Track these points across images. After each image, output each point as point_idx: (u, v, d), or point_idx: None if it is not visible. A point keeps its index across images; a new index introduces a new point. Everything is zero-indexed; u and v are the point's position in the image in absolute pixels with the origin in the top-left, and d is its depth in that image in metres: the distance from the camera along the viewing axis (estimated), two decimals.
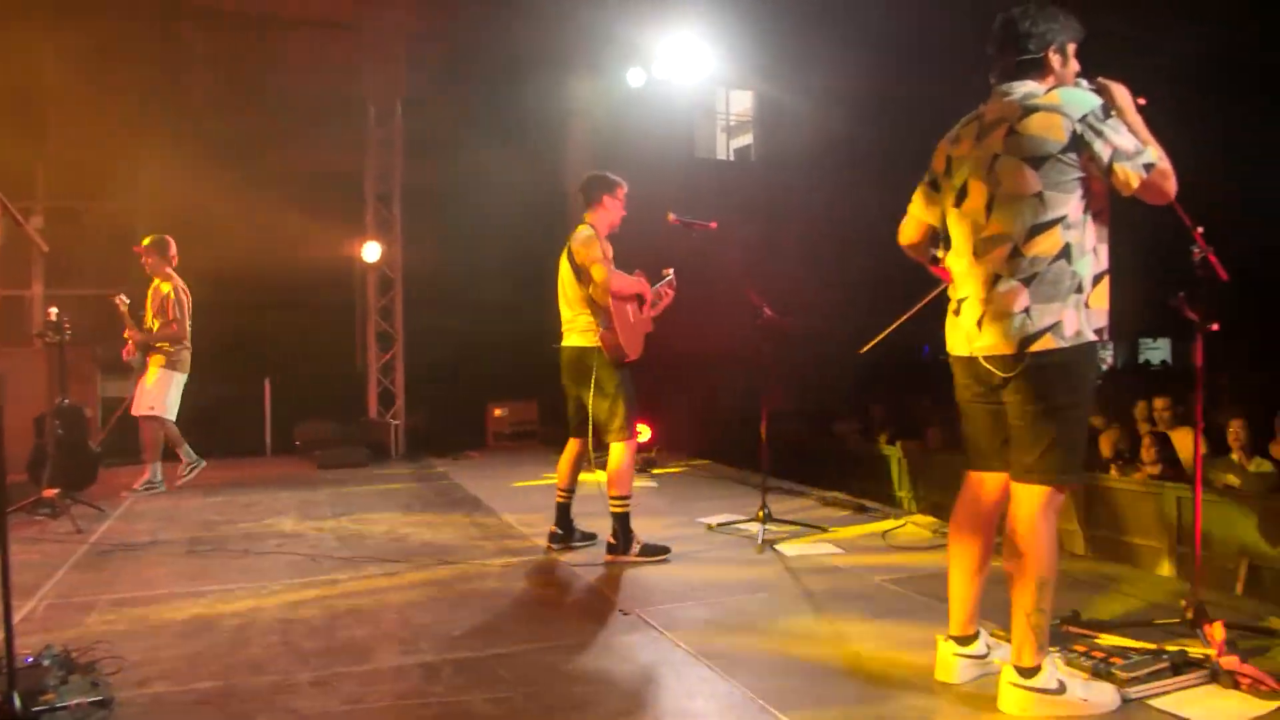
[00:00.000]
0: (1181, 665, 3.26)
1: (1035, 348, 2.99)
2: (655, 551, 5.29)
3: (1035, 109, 3.01)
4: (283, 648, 3.86)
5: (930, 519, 6.17)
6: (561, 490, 5.60)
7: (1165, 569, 7.07)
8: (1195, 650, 3.37)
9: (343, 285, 11.77)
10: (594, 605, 4.61)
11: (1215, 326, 3.66)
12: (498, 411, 11.63)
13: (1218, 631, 3.46)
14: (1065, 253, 2.99)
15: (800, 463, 9.50)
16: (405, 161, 11.28)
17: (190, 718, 3.19)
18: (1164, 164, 2.96)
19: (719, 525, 6.18)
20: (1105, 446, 8.57)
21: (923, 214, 3.43)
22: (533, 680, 3.44)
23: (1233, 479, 7.61)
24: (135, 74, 10.15)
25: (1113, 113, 2.97)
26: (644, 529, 5.50)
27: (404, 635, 4.04)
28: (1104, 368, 3.10)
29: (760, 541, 5.59)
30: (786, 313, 6.09)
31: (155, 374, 7.88)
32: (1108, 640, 3.56)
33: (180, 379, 7.99)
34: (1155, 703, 3.09)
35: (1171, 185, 2.98)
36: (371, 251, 11.03)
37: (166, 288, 7.91)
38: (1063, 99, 2.99)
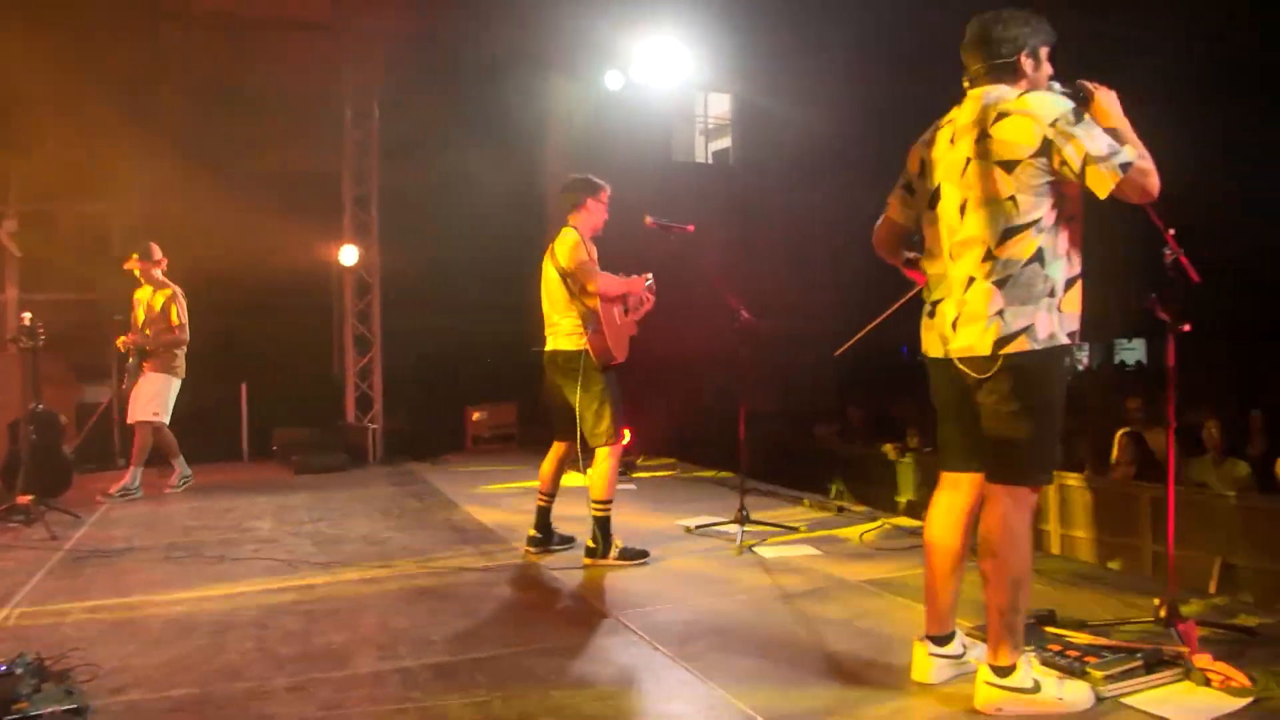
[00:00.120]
0: (1155, 664, 3.28)
1: (1009, 349, 3.01)
2: (634, 555, 5.29)
3: (1007, 113, 3.03)
4: (259, 654, 3.84)
5: (908, 520, 6.20)
6: (543, 494, 5.59)
7: (1140, 568, 7.13)
8: (1169, 649, 3.40)
9: (320, 288, 11.70)
10: (572, 609, 4.61)
11: (1187, 327, 3.69)
12: (476, 415, 11.58)
13: (1190, 630, 3.50)
14: (1039, 256, 3.01)
15: (781, 464, 9.52)
16: (382, 164, 11.23)
17: None
18: (1143, 162, 2.95)
19: (698, 528, 6.18)
20: (1081, 447, 8.65)
21: (898, 217, 3.46)
22: (510, 685, 3.44)
23: (1207, 479, 7.70)
24: (110, 75, 10.06)
25: (1085, 116, 2.99)
26: (623, 531, 5.50)
27: (381, 640, 4.02)
28: (1079, 368, 3.12)
29: (739, 544, 5.60)
30: (764, 315, 6.11)
31: (157, 379, 7.93)
32: (1082, 639, 3.59)
33: (178, 384, 8.04)
34: (1129, 701, 3.12)
35: (1152, 183, 2.96)
36: (349, 254, 10.97)
37: (165, 296, 7.98)
38: (1033, 104, 3.01)
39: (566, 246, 5.26)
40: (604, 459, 5.25)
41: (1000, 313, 3.02)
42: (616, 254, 5.60)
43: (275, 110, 10.66)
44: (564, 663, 3.72)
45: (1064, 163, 2.95)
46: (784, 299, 11.36)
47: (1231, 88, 14.43)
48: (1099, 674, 3.18)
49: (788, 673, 3.53)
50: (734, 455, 6.42)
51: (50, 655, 3.51)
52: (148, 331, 7.94)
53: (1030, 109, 3.00)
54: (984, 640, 3.16)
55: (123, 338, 8.00)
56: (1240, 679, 3.16)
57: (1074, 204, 3.09)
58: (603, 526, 5.26)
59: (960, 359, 3.13)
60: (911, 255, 3.49)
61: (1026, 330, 3.00)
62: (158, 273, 8.10)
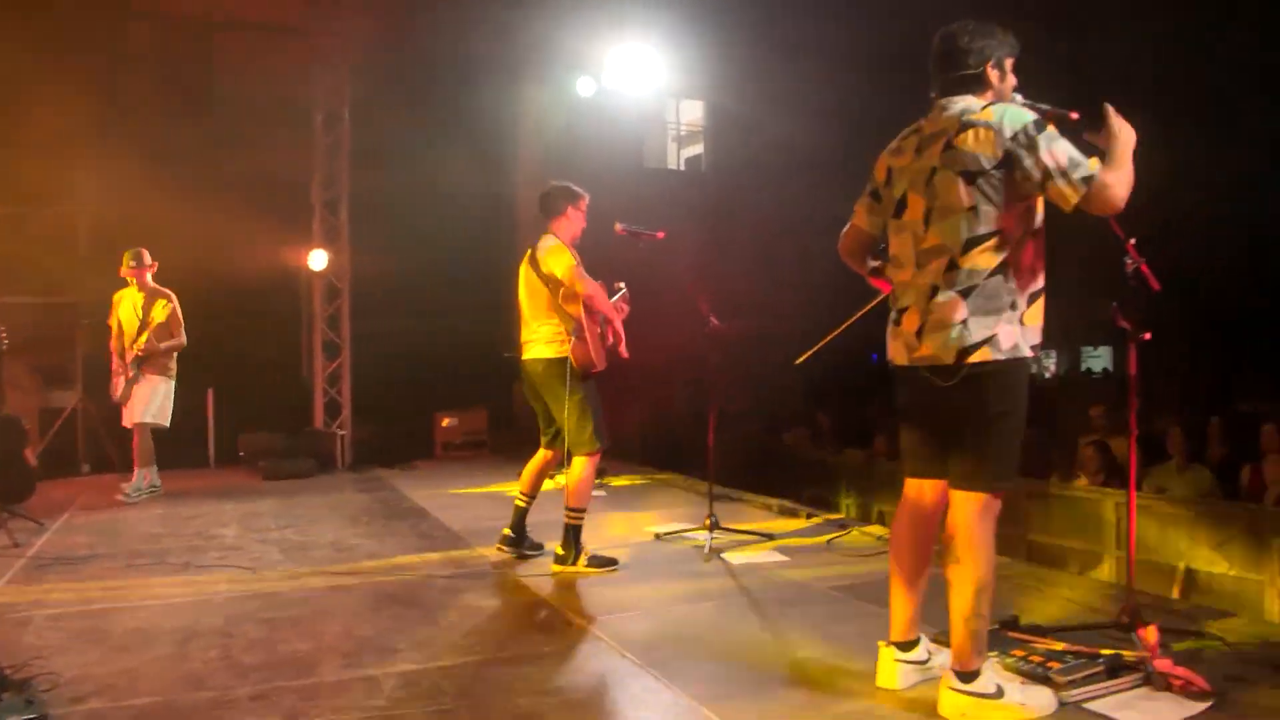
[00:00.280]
0: (1117, 668, 3.32)
1: (973, 359, 3.04)
2: (603, 563, 5.28)
3: (971, 124, 3.06)
4: (222, 662, 3.81)
5: (877, 526, 6.24)
6: (523, 494, 5.58)
7: (1104, 574, 7.20)
8: (1131, 654, 3.44)
9: (288, 293, 11.62)
10: (540, 616, 4.60)
11: (1148, 336, 3.74)
12: (446, 421, 11.53)
13: (1151, 635, 3.54)
14: (1003, 269, 3.05)
15: (752, 470, 9.55)
16: (353, 168, 11.13)
17: None
18: (1106, 176, 2.96)
19: (667, 534, 6.18)
20: (1050, 453, 8.73)
21: (864, 225, 3.47)
22: (476, 693, 3.43)
23: (1171, 485, 7.78)
24: (77, 76, 9.96)
25: (1048, 128, 3.02)
26: (592, 538, 5.50)
27: (346, 648, 4.00)
28: (1046, 375, 3.16)
29: (707, 550, 5.60)
30: (735, 317, 6.12)
31: (157, 382, 8.05)
32: (1045, 644, 3.62)
33: (174, 385, 8.21)
34: (1091, 705, 3.15)
35: (1113, 196, 2.97)
36: (318, 259, 10.87)
37: (164, 302, 8.07)
38: (996, 115, 3.04)
39: (555, 254, 5.21)
40: (581, 466, 5.24)
41: (964, 322, 3.05)
42: (588, 261, 5.60)
43: (245, 113, 10.60)
44: (531, 670, 3.71)
45: (1025, 176, 2.98)
46: (755, 301, 11.42)
47: (1189, 97, 14.70)
48: (1062, 679, 3.21)
49: (754, 679, 3.54)
50: (704, 461, 6.43)
51: (10, 664, 3.48)
52: (143, 336, 7.98)
53: (993, 120, 3.03)
54: (949, 646, 3.18)
55: (135, 346, 8.01)
56: (1200, 683, 3.20)
57: (1038, 216, 3.13)
58: (574, 534, 5.25)
59: (925, 367, 3.16)
60: (876, 264, 3.52)
61: (989, 341, 3.03)
62: (148, 276, 8.14)
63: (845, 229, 3.55)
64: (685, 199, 14.29)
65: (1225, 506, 7.23)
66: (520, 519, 5.60)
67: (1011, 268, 3.06)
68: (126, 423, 8.13)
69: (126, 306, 8.12)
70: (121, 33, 10.80)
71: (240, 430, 10.56)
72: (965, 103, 3.15)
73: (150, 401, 8.03)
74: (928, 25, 3.33)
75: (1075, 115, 3.22)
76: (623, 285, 5.70)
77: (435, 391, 11.50)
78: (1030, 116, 3.03)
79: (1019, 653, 3.44)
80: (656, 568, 5.40)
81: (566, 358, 5.18)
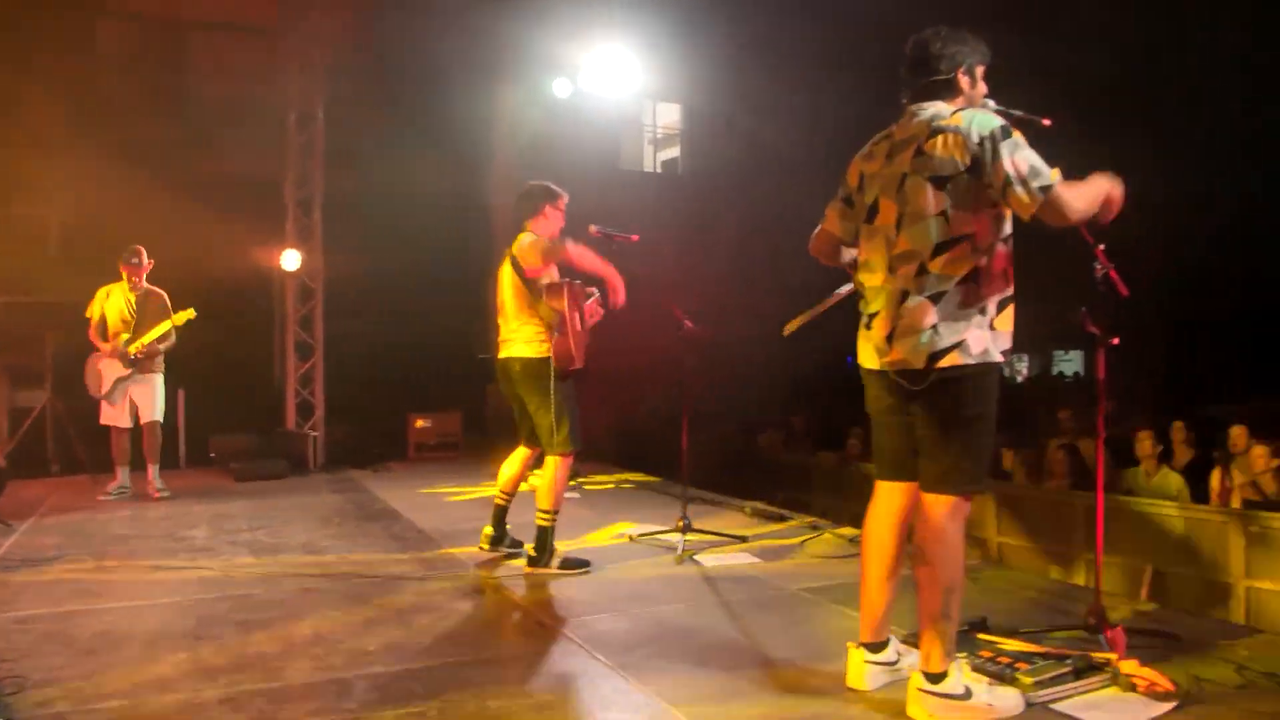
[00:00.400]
0: (1084, 670, 3.35)
1: (943, 363, 3.06)
2: (575, 565, 5.28)
3: (941, 130, 3.09)
4: (191, 665, 3.78)
5: (849, 529, 6.26)
6: (503, 493, 5.58)
7: (1073, 576, 7.26)
8: (1097, 655, 3.47)
9: (261, 293, 11.54)
10: (511, 618, 4.60)
11: (1116, 340, 3.78)
12: (419, 423, 11.45)
13: (1119, 636, 3.58)
14: (974, 274, 3.07)
15: (725, 472, 9.57)
16: (326, 169, 11.05)
17: None
18: (1064, 190, 2.98)
19: (640, 536, 6.18)
20: (1007, 458, 8.81)
21: (835, 229, 3.49)
22: (447, 695, 3.41)
23: (1139, 488, 7.86)
24: (48, 75, 9.87)
25: (1014, 134, 3.05)
26: (565, 540, 5.49)
27: (316, 651, 3.97)
28: (1019, 379, 3.19)
29: (680, 552, 5.61)
30: (710, 319, 6.12)
31: (156, 380, 8.15)
32: (1013, 645, 3.66)
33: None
34: (1058, 706, 3.18)
35: (1068, 209, 2.99)
36: (291, 260, 10.77)
37: (161, 301, 8.12)
38: (965, 121, 3.07)
39: (528, 245, 5.20)
40: (554, 467, 5.23)
41: (934, 327, 3.07)
42: (562, 265, 5.60)
43: (218, 112, 10.53)
44: (502, 672, 3.71)
45: (988, 182, 3.01)
46: (730, 304, 11.45)
47: (1163, 95, 14.89)
48: (1029, 680, 3.24)
49: (725, 680, 3.55)
50: (678, 462, 6.44)
51: None
52: (148, 336, 7.98)
53: (962, 126, 3.06)
54: (917, 647, 3.20)
55: (135, 346, 7.97)
56: (1164, 684, 3.25)
57: (1008, 222, 3.16)
58: (546, 535, 5.25)
59: (895, 371, 3.18)
60: (851, 259, 3.52)
61: (959, 346, 3.05)
62: (143, 276, 8.14)
63: (816, 231, 3.56)
64: (661, 202, 14.29)
65: (1193, 509, 7.31)
66: (500, 516, 5.60)
67: (982, 273, 3.08)
68: (111, 421, 8.08)
69: (116, 303, 8.02)
70: (92, 32, 10.71)
71: (211, 431, 10.47)
72: (936, 108, 3.18)
73: (156, 400, 8.13)
74: (902, 30, 3.36)
75: (1048, 122, 3.25)
76: (595, 290, 5.70)
77: (409, 393, 11.44)
78: (997, 122, 3.06)
79: (987, 654, 3.47)
80: (629, 569, 5.40)
81: (547, 358, 5.17)
